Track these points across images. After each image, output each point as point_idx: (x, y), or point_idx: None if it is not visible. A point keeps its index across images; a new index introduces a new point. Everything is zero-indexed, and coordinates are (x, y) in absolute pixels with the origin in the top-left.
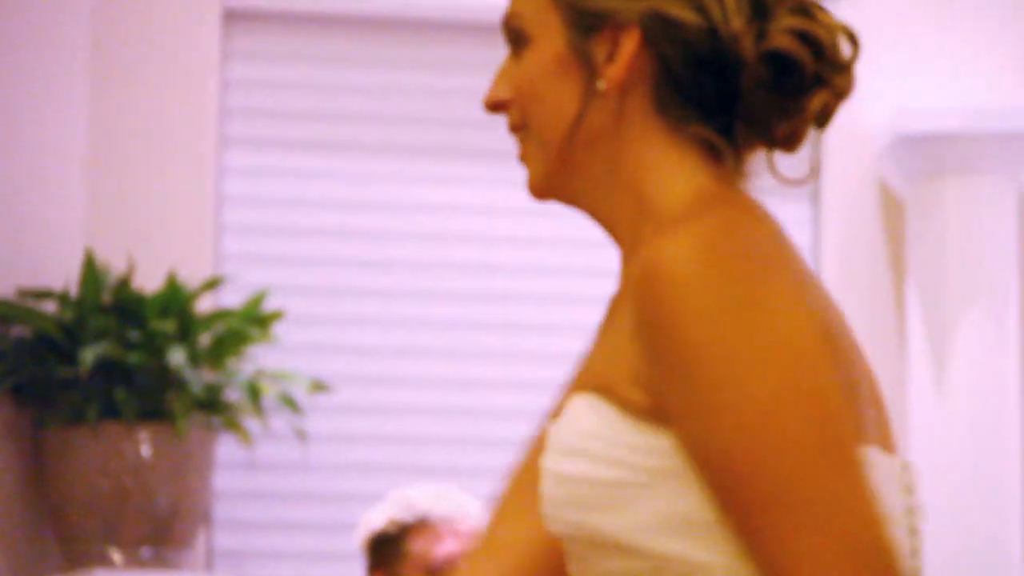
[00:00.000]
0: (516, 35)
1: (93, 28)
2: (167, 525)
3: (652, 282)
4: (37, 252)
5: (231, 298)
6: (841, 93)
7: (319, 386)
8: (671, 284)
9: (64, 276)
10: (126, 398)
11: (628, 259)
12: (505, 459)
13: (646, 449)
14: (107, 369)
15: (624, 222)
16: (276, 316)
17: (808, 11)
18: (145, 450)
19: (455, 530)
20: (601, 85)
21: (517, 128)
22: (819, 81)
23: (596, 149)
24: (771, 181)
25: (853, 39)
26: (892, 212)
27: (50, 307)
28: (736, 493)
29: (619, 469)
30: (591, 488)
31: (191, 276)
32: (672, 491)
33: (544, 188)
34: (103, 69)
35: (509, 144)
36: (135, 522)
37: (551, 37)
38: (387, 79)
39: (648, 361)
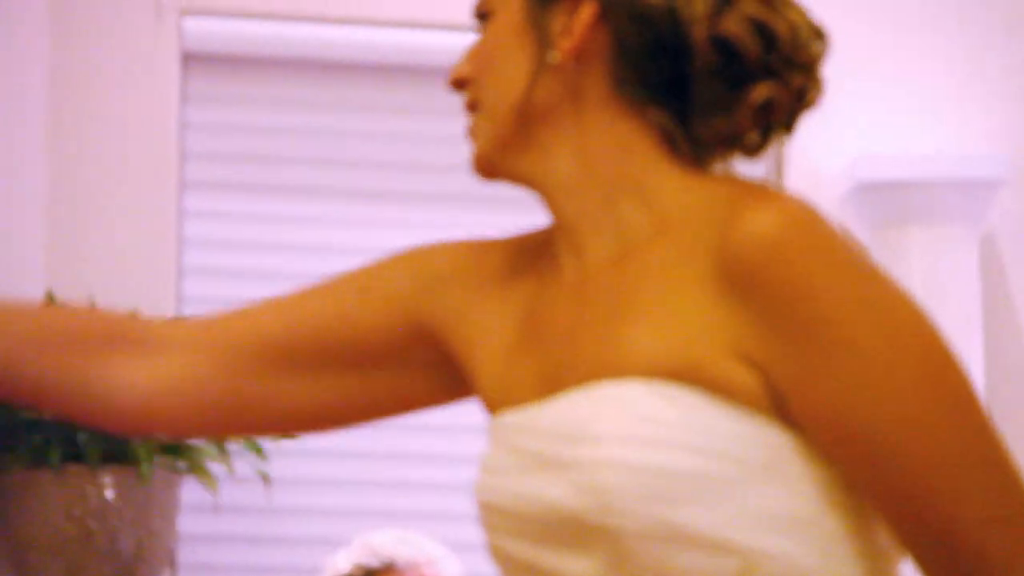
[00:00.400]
0: (483, 12)
1: (51, 69)
2: (131, 569)
3: (772, 257)
4: None
5: None
6: (799, 92)
7: None
8: (796, 255)
9: None
10: (89, 441)
11: (597, 241)
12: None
13: (739, 438)
14: None
15: (592, 204)
16: None
17: (772, 3)
18: (109, 493)
19: (420, 575)
20: (553, 57)
21: (472, 107)
22: (767, 74)
23: (554, 126)
24: None
25: (821, 37)
26: None
27: None
28: (905, 465)
29: (706, 459)
30: (671, 479)
31: (152, 318)
32: (776, 485)
33: (489, 165)
34: (62, 111)
35: (476, 189)
36: (99, 566)
37: (510, 7)
38: (348, 123)
39: (772, 335)
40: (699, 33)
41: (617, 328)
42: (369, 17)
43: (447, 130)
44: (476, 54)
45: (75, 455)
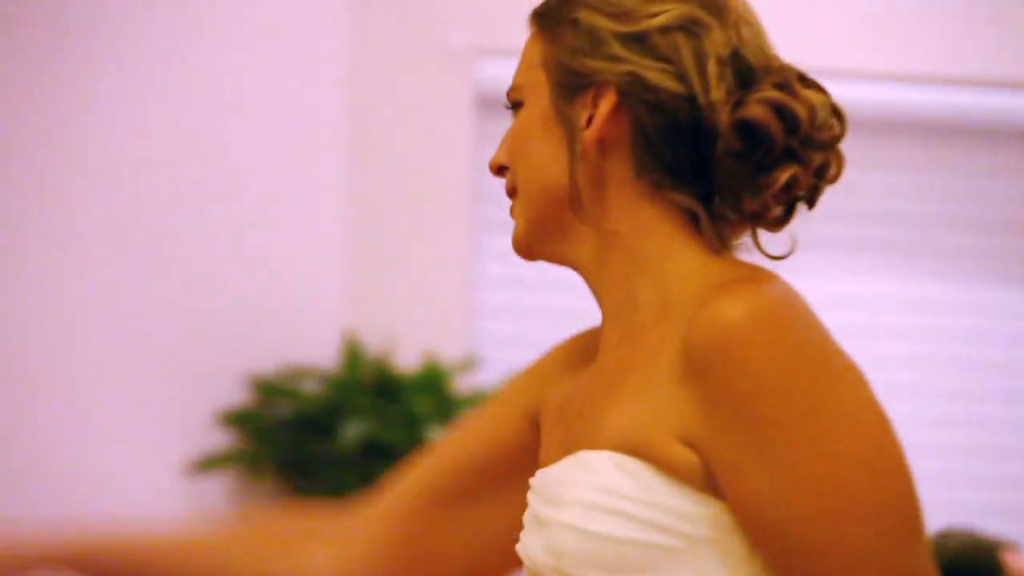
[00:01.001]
0: (513, 103)
1: (349, 112)
2: None
3: (725, 346)
4: (298, 331)
5: (487, 378)
6: (819, 170)
7: None
8: (747, 348)
9: (324, 354)
10: (387, 475)
11: (616, 318)
12: None
13: (685, 514)
14: (368, 446)
15: (613, 282)
16: None
17: (791, 86)
18: None
19: None
20: (578, 147)
21: (510, 193)
22: (789, 156)
23: (580, 210)
24: None
25: (840, 116)
26: None
27: (311, 384)
28: (815, 561)
29: (653, 532)
30: (620, 548)
31: (448, 356)
32: (708, 560)
33: (525, 247)
34: (359, 153)
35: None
36: None
37: (539, 97)
38: None
39: (712, 423)
40: (722, 118)
41: (608, 405)
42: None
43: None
44: (510, 142)
45: (373, 489)
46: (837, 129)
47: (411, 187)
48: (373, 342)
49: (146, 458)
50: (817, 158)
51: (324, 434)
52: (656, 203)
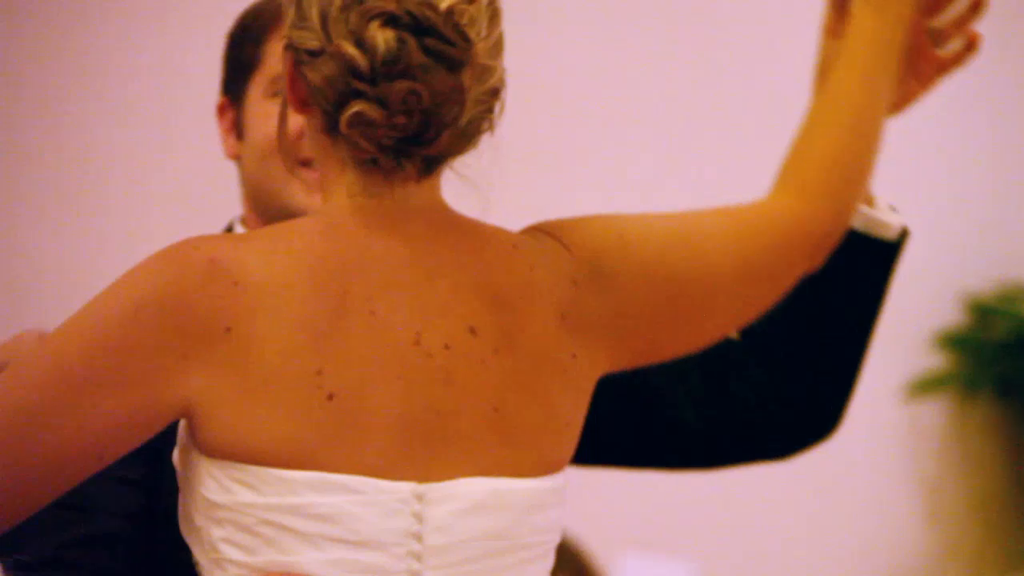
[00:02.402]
0: None
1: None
2: None
3: None
4: (1016, 250)
5: None
6: (413, 94)
7: None
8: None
9: None
10: None
11: None
12: None
13: None
14: None
15: None
16: None
17: (358, 31)
18: None
19: None
20: (289, 110)
21: None
22: (355, 95)
23: (293, 167)
24: None
25: (402, 52)
26: None
27: None
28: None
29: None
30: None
31: None
32: None
33: None
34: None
35: None
36: None
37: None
38: None
39: None
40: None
41: None
42: None
43: None
44: None
45: None
46: (408, 58)
47: None
48: None
49: (863, 379)
50: (400, 86)
51: None
52: (339, 155)
